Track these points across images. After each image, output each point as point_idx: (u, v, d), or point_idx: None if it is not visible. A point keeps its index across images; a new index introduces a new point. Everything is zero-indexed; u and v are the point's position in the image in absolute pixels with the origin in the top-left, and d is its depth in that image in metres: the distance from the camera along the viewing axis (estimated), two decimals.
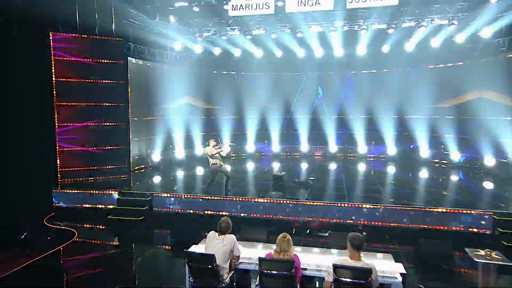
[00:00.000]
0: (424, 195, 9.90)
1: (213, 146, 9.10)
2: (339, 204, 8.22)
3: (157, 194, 9.28)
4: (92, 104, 11.00)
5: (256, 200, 8.67)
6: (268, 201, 8.58)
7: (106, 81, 11.16)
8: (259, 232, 6.89)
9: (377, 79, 15.89)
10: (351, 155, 16.71)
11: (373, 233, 7.74)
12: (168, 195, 9.23)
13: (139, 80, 13.18)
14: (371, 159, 16.22)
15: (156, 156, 13.74)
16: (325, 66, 16.00)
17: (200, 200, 8.97)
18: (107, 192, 9.62)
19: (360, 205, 8.07)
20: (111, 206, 9.49)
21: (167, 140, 14.77)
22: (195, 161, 15.48)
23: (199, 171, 13.70)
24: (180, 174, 13.03)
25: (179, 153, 15.07)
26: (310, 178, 11.20)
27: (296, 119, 17.30)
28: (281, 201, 8.49)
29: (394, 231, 7.75)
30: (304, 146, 17.01)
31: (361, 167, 14.41)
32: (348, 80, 16.56)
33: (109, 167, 11.35)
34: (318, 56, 15.01)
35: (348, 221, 8.05)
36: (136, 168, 12.98)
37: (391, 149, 15.67)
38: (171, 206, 9.15)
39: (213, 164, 9.10)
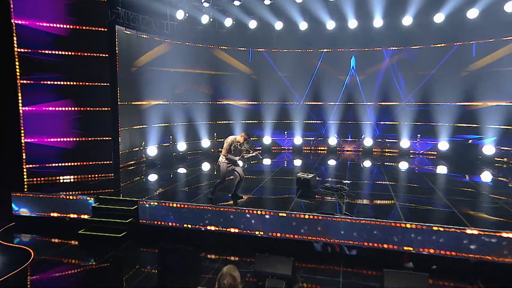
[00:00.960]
0: None
1: (243, 141, 7.30)
2: (399, 225, 6.03)
3: (144, 203, 7.32)
4: (68, 83, 9.05)
5: (275, 213, 6.60)
6: (295, 215, 6.49)
7: (86, 54, 9.17)
8: (280, 262, 4.97)
9: (430, 55, 13.34)
10: (391, 150, 14.36)
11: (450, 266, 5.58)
12: (157, 203, 7.25)
13: (131, 55, 11.18)
14: (417, 155, 13.82)
15: (151, 150, 11.79)
16: (361, 40, 13.62)
17: (202, 210, 6.95)
18: (81, 198, 7.74)
19: (434, 228, 5.84)
20: (86, 216, 7.61)
21: (165, 130, 12.83)
22: (199, 156, 13.50)
23: (205, 167, 11.72)
24: (180, 173, 11.05)
25: (181, 146, 13.11)
26: (344, 182, 9.03)
27: (323, 106, 15.01)
28: (313, 216, 6.38)
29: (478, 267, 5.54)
30: (332, 138, 14.75)
31: (407, 166, 12.05)
32: (391, 58, 14.09)
33: (90, 163, 9.45)
34: (352, 28, 12.69)
35: (417, 251, 5.90)
36: (126, 164, 11.10)
37: (443, 144, 13.21)
38: (164, 219, 7.19)
39: (228, 160, 7.18)
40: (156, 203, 7.26)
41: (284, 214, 6.59)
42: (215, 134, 14.59)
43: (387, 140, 14.48)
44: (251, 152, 7.59)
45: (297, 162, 12.91)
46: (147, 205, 7.28)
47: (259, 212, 6.69)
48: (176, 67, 12.84)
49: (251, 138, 7.99)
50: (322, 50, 14.64)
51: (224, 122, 14.65)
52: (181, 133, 13.30)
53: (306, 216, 6.46)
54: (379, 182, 9.49)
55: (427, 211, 6.98)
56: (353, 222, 6.22)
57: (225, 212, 6.83)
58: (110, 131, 9.66)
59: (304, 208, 7.17)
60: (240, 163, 7.68)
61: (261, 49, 14.84)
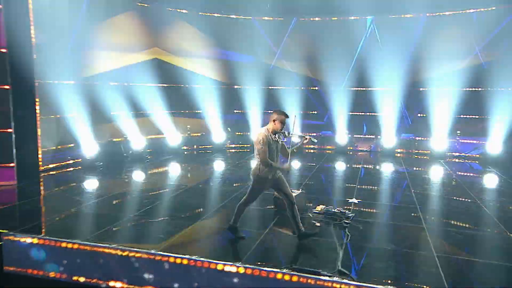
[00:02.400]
0: None
1: (275, 131, 4.39)
2: None
3: (12, 238, 4.71)
4: None
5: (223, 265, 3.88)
6: (252, 272, 3.77)
7: None
8: None
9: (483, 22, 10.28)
10: (420, 151, 11.42)
11: None
12: (36, 239, 4.63)
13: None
14: (456, 160, 10.83)
15: (92, 147, 9.22)
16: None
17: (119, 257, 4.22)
18: None
19: None
20: None
21: (117, 120, 10.27)
22: (165, 155, 10.91)
23: (168, 171, 9.19)
24: (125, 179, 8.46)
25: (138, 143, 10.51)
26: (350, 203, 6.25)
27: (328, 91, 12.13)
28: (283, 276, 3.66)
29: None
30: (342, 135, 11.90)
31: (445, 176, 9.10)
32: (423, 27, 11.08)
33: None
34: None
35: None
36: (51, 166, 8.55)
37: (493, 146, 10.16)
38: (46, 267, 4.57)
39: (262, 168, 4.35)
40: (33, 240, 4.64)
41: (234, 269, 3.86)
42: (188, 127, 12.02)
43: (416, 138, 11.51)
44: (299, 140, 4.87)
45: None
46: (18, 242, 4.66)
47: (198, 263, 3.98)
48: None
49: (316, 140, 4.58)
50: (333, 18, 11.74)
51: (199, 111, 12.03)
52: (140, 125, 10.73)
53: (278, 276, 3.75)
54: (404, 204, 6.60)
55: (484, 266, 4.13)
56: None
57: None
58: (7, 121, 7.07)
59: (279, 256, 4.46)
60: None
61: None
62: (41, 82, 8.00)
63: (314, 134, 4.78)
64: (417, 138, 11.50)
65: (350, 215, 5.43)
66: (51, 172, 8.37)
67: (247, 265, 3.75)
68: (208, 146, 12.02)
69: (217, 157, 10.96)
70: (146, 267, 4.06)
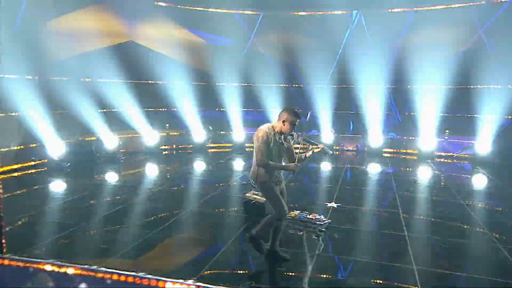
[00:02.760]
0: None
1: (289, 130, 3.71)
2: None
3: None
4: None
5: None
6: None
7: None
8: None
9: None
10: (408, 151, 11.08)
11: None
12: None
13: None
14: (445, 160, 10.51)
15: (58, 147, 8.68)
16: None
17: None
18: None
19: None
20: None
21: (90, 117, 9.75)
22: (142, 155, 10.42)
23: (147, 173, 8.71)
24: (94, 182, 7.95)
25: (111, 142, 9.99)
26: (329, 207, 5.84)
27: (312, 89, 11.72)
28: None
29: None
30: (327, 134, 11.51)
31: (431, 178, 8.76)
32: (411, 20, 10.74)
33: None
34: None
35: None
36: (10, 168, 8.02)
37: (483, 146, 9.84)
38: None
39: (260, 172, 3.71)
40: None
41: None
42: (167, 125, 11.54)
43: (404, 138, 11.17)
44: (310, 148, 3.89)
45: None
46: None
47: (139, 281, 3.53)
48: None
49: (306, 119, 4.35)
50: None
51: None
52: (112, 124, 10.22)
53: None
54: (387, 209, 6.20)
55: (467, 280, 3.74)
56: None
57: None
58: None
59: (239, 272, 4.00)
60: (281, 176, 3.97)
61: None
62: None
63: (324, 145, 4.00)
64: (405, 138, 11.15)
65: (326, 221, 5.01)
66: (10, 175, 7.84)
67: (199, 284, 3.28)
68: (188, 146, 11.54)
69: (197, 157, 10.49)
70: (85, 284, 3.57)
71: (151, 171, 9.17)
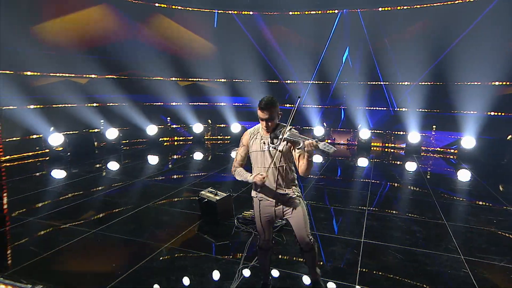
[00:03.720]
0: None
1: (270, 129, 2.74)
2: None
3: None
4: None
5: None
6: None
7: None
8: None
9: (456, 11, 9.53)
10: (396, 146, 10.91)
11: None
12: None
13: None
14: (431, 154, 10.20)
15: (57, 137, 8.95)
16: None
17: None
18: None
19: None
20: None
21: (94, 110, 10.01)
22: (143, 147, 10.66)
23: (146, 160, 8.79)
24: (87, 172, 8.01)
25: (112, 133, 10.26)
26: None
27: (297, 84, 11.61)
28: None
29: None
30: (318, 128, 11.38)
31: (412, 173, 8.42)
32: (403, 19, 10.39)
33: None
34: None
35: None
36: (15, 157, 8.43)
37: (469, 141, 9.54)
38: None
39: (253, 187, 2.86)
40: None
41: None
42: (168, 118, 11.76)
43: (393, 132, 10.98)
44: (314, 146, 2.55)
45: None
46: None
47: None
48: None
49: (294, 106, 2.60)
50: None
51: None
52: (115, 116, 10.52)
53: None
54: (353, 208, 5.56)
55: None
56: None
57: None
58: None
59: (152, 282, 3.33)
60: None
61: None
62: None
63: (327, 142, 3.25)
64: (394, 132, 10.94)
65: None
66: (14, 163, 8.20)
67: None
68: (188, 138, 11.76)
69: (194, 148, 10.67)
70: None
71: (138, 162, 8.97)
